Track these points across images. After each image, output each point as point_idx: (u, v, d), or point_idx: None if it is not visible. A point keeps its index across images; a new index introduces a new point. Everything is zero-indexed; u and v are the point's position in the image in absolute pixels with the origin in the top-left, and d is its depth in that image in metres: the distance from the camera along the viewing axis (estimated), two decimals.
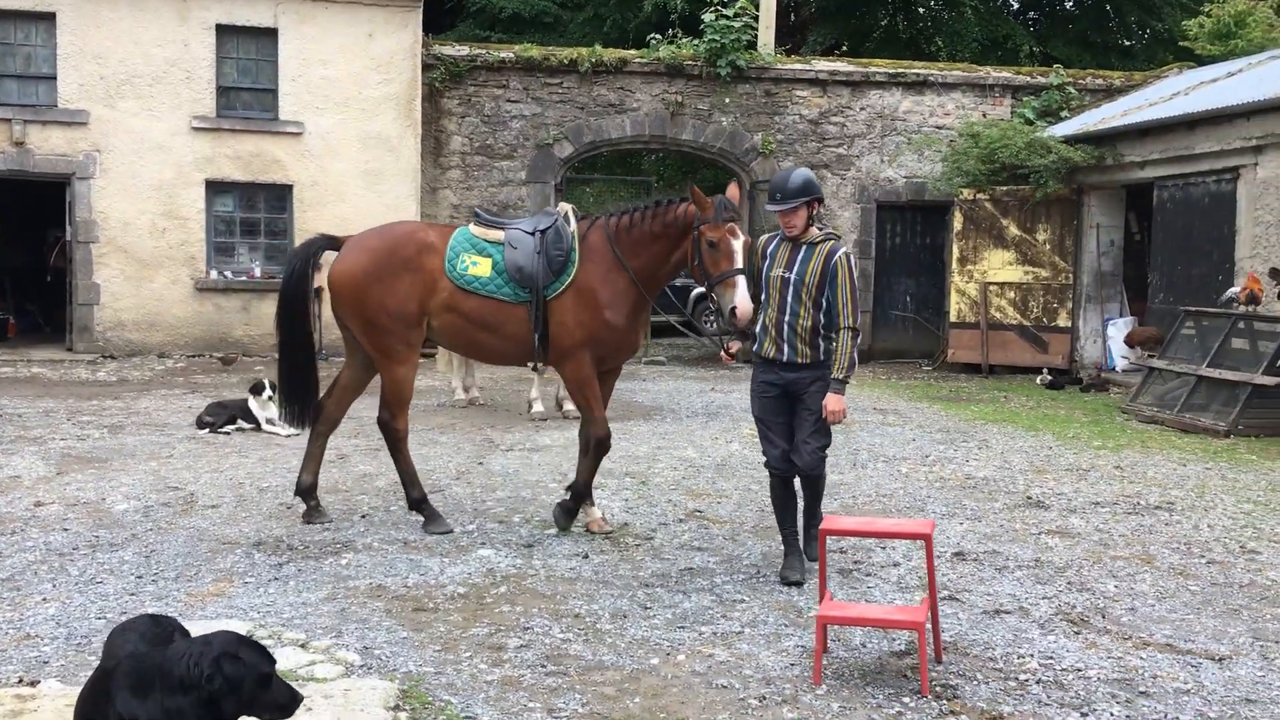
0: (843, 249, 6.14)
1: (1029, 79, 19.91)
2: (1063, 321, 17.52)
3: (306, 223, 17.29)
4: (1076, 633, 5.46)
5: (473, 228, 7.21)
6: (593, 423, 7.04)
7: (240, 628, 5.21)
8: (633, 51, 19.31)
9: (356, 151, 17.38)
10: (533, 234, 7.00)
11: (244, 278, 17.35)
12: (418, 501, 7.30)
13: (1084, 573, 6.44)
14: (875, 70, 19.50)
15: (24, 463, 9.06)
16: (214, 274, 17.23)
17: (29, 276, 19.69)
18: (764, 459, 6.41)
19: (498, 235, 7.10)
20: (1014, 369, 17.53)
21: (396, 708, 4.32)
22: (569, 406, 12.13)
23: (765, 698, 4.61)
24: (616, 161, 23.56)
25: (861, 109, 19.40)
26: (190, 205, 16.99)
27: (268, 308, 17.18)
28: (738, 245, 6.46)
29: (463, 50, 18.48)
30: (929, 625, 4.94)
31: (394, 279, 7.07)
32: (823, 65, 19.55)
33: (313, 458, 7.48)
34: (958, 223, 18.13)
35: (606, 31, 23.90)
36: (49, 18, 16.37)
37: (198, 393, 13.41)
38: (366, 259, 7.16)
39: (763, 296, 6.25)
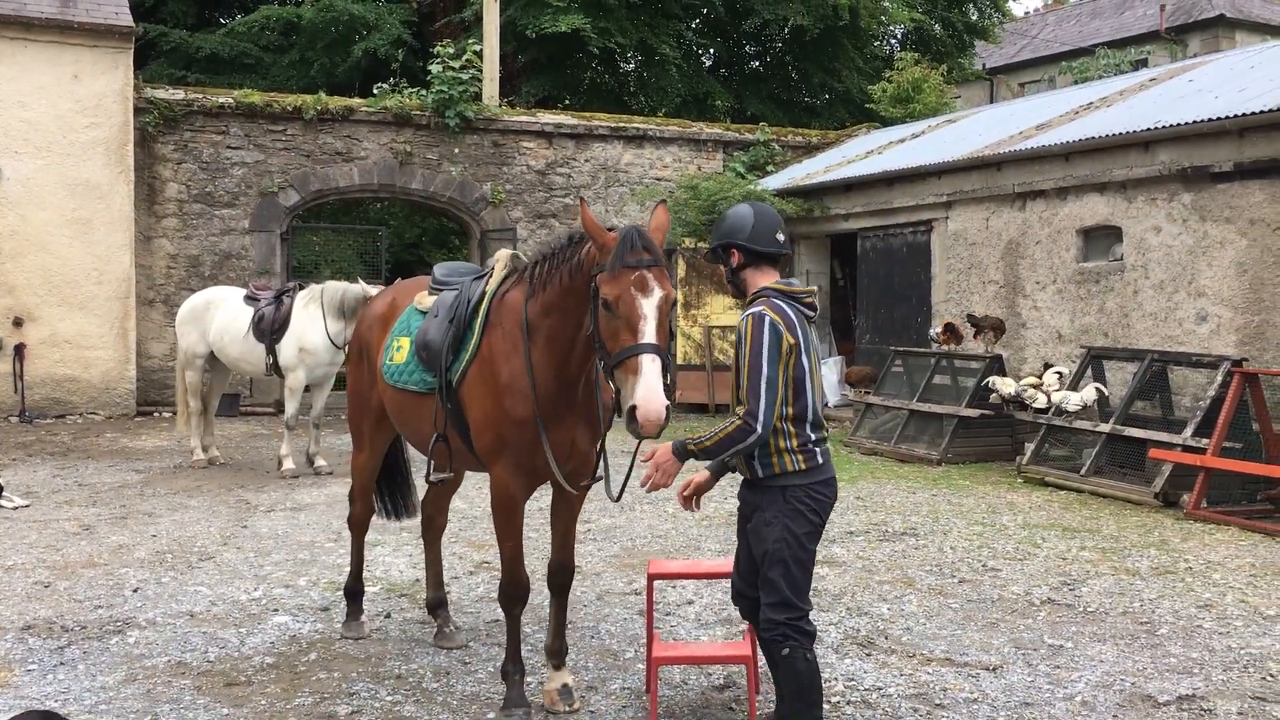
0: (754, 309, 4.36)
1: (738, 135, 21.17)
2: None
3: (5, 275, 16.00)
4: (867, 654, 5.96)
5: (419, 296, 5.69)
6: (503, 567, 5.10)
7: None
8: (359, 100, 19.11)
9: (63, 199, 16.27)
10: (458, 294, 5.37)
11: None
12: (347, 592, 6.38)
13: (858, 598, 7.01)
14: (598, 124, 20.18)
15: None
16: None
17: None
18: None
19: (429, 303, 5.53)
20: None
21: None
22: (321, 463, 11.86)
23: None
24: (343, 210, 23.13)
25: (586, 160, 20.01)
26: None
27: None
28: (648, 306, 4.28)
29: (178, 94, 17.70)
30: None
31: (356, 359, 6.16)
32: (548, 118, 20.03)
33: (431, 566, 6.34)
34: (681, 270, 19.00)
35: (314, 75, 23.44)
36: None
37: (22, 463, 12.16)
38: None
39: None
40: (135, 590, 7.14)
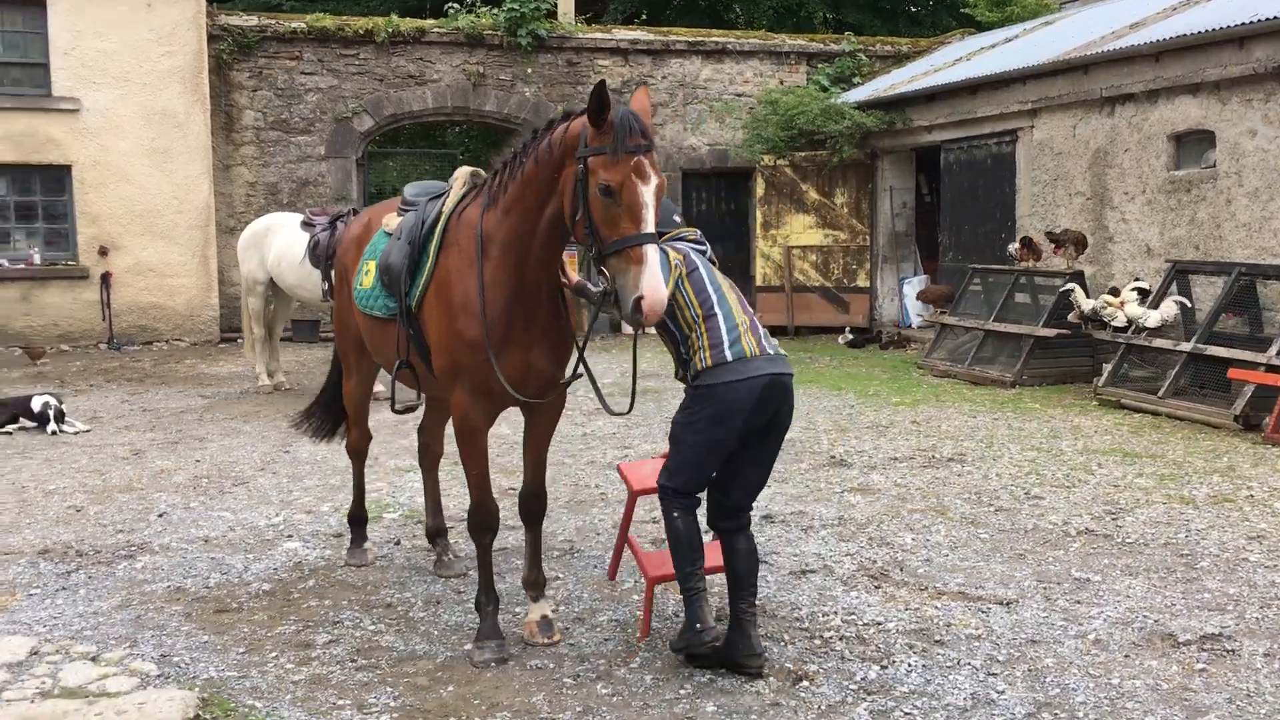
0: None
1: (823, 46, 20.42)
2: (862, 282, 18.15)
3: (89, 205, 16.37)
4: (877, 587, 5.68)
5: (387, 218, 5.50)
6: (471, 495, 4.94)
7: (24, 644, 4.94)
8: (431, 21, 18.91)
9: (141, 129, 16.50)
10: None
11: (21, 265, 16.29)
12: (350, 519, 6.33)
13: (883, 527, 6.71)
14: (675, 39, 19.65)
15: None
16: None
17: None
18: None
19: (395, 224, 5.34)
20: (819, 329, 18.07)
21: (196, 718, 4.15)
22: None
23: (579, 675, 4.64)
24: (420, 135, 23.09)
25: (663, 77, 19.54)
26: None
27: (50, 296, 16.30)
28: (648, 193, 4.12)
29: (250, 20, 17.74)
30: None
31: (338, 284, 5.98)
32: (623, 34, 19.58)
33: (429, 494, 6.30)
34: (760, 189, 18.51)
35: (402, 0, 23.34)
36: None
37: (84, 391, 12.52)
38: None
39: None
40: (160, 515, 7.21)
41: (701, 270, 4.72)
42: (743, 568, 4.68)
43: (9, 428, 10.22)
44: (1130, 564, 5.97)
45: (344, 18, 18.60)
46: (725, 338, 4.53)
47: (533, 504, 5.13)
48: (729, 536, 4.70)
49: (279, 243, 12.07)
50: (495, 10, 18.58)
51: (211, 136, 17.12)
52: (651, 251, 4.09)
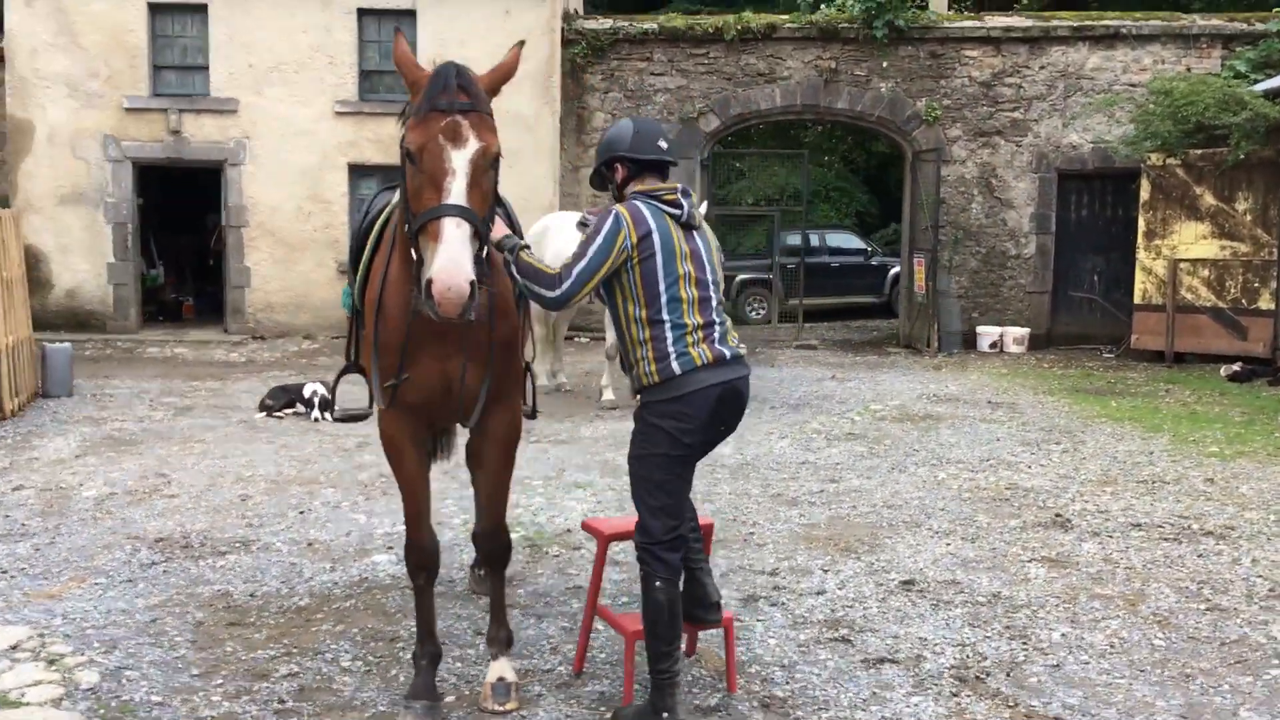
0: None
1: (1244, 26, 17.45)
2: (1265, 304, 15.23)
3: None
4: (953, 695, 4.39)
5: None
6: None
7: (9, 638, 4.93)
8: (782, 16, 18.22)
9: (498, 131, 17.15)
10: None
11: None
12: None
13: (1038, 616, 5.26)
14: (1058, 24, 17.59)
15: (58, 444, 9.22)
16: None
17: (194, 260, 20.65)
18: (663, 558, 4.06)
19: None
20: (1206, 357, 15.41)
21: None
22: (608, 396, 11.47)
23: None
24: (771, 134, 22.42)
25: (1041, 68, 17.56)
26: (333, 189, 17.29)
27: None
28: (459, 159, 3.54)
29: (605, 24, 17.96)
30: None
31: None
32: (996, 21, 17.81)
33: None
34: (1145, 192, 16.09)
35: None
36: (202, 9, 16.98)
37: (305, 374, 13.53)
38: None
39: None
40: (301, 513, 7.15)
41: (658, 255, 3.96)
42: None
43: (284, 412, 10.82)
44: None
45: (695, 17, 18.41)
46: (671, 349, 3.94)
47: (489, 543, 4.42)
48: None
49: (556, 243, 11.97)
50: (851, 1, 17.53)
51: (562, 138, 17.51)
52: (449, 226, 3.42)
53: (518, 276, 3.96)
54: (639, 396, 4.06)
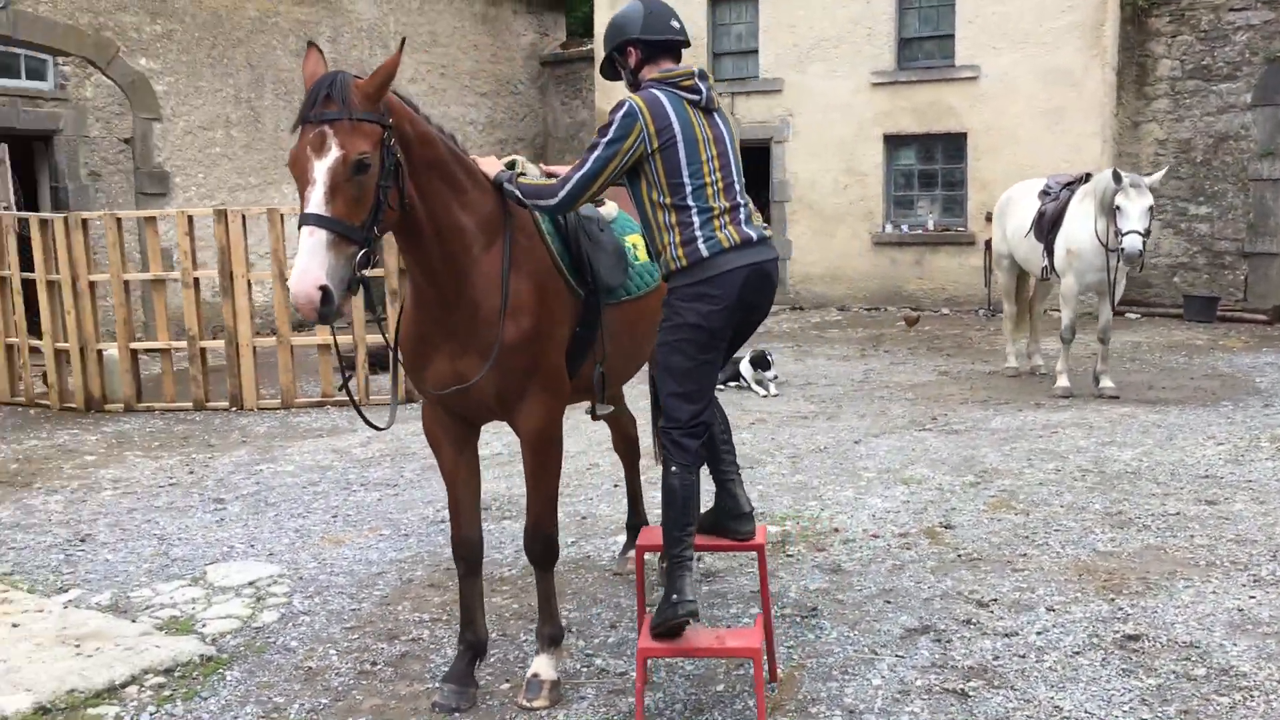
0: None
1: None
2: None
3: (980, 171, 16.50)
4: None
5: None
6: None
7: (261, 571, 5.90)
8: None
9: (1034, 90, 16.00)
10: None
11: (918, 231, 17.16)
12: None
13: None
14: None
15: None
16: (889, 228, 17.33)
17: None
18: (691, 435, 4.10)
19: None
20: None
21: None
22: (1106, 383, 10.20)
23: None
24: None
25: None
26: (868, 160, 17.25)
27: (939, 261, 16.89)
28: (315, 170, 3.55)
29: None
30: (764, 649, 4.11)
31: None
32: None
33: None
34: None
35: None
36: None
37: (864, 355, 13.73)
38: None
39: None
40: (615, 485, 7.50)
41: (679, 143, 3.97)
42: (717, 425, 4.33)
43: (732, 384, 11.24)
44: None
45: None
46: (699, 233, 3.97)
47: (533, 541, 4.43)
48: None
49: (1018, 213, 11.02)
50: None
51: (1119, 92, 15.83)
52: (304, 235, 3.51)
53: (527, 202, 4.07)
54: (669, 285, 4.07)
